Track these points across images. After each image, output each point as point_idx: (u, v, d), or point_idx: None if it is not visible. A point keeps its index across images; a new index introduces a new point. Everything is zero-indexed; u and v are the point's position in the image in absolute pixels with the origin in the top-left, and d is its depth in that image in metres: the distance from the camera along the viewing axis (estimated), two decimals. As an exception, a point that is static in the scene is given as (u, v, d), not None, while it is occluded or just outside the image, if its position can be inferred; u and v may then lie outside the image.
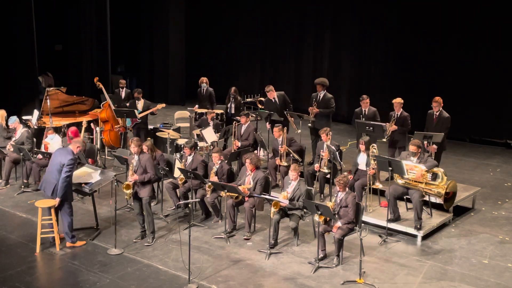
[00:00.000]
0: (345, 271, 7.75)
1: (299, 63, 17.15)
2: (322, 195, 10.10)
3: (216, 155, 9.25)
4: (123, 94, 13.99)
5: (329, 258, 8.03)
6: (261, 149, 11.64)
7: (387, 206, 8.91)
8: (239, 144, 10.95)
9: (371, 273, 7.70)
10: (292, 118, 11.68)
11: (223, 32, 18.67)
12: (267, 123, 11.95)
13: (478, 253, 8.41)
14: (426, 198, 9.05)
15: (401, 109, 10.63)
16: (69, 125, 12.08)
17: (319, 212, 7.70)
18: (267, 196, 8.45)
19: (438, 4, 14.22)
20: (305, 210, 8.50)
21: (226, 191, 8.47)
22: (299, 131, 11.83)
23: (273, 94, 11.90)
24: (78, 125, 12.03)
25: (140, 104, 12.65)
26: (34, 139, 11.11)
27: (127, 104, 13.22)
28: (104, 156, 12.25)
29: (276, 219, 8.33)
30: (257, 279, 7.54)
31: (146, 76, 19.20)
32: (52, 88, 13.05)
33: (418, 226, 8.70)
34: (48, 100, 12.31)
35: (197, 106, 13.46)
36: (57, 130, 11.09)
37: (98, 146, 11.78)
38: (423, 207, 8.94)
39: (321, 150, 9.98)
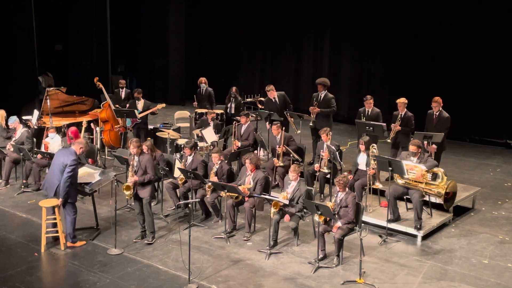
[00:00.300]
0: (345, 271, 7.75)
1: (299, 63, 17.15)
2: (322, 195, 10.10)
3: (216, 155, 9.25)
4: (123, 94, 14.00)
5: (329, 258, 8.03)
6: (261, 149, 11.64)
7: (387, 206, 8.91)
8: (239, 144, 10.95)
9: (371, 273, 7.70)
10: (292, 119, 11.68)
11: (223, 32, 18.67)
12: (267, 123, 11.95)
13: (478, 253, 8.41)
14: (426, 198, 9.04)
15: (405, 109, 10.63)
16: (69, 125, 12.08)
17: (319, 212, 7.70)
18: (267, 196, 8.45)
19: (438, 4, 14.22)
20: (305, 210, 8.50)
21: (226, 191, 8.48)
22: (299, 131, 11.84)
23: (273, 94, 11.90)
24: (78, 125, 12.04)
25: (140, 104, 12.65)
26: (34, 139, 11.11)
27: (127, 105, 13.22)
28: (104, 156, 12.25)
29: (276, 219, 8.33)
30: (257, 279, 7.55)
31: (146, 76, 19.21)
32: (52, 88, 13.05)
33: (418, 226, 8.70)
34: (48, 100, 12.31)
35: (195, 103, 13.47)
36: (57, 130, 11.08)
37: (98, 146, 11.78)
38: (423, 207, 8.94)
39: (321, 150, 9.98)
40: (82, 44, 16.94)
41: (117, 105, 13.12)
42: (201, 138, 11.23)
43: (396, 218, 8.99)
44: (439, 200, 8.99)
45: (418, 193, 8.74)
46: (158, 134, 12.40)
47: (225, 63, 18.67)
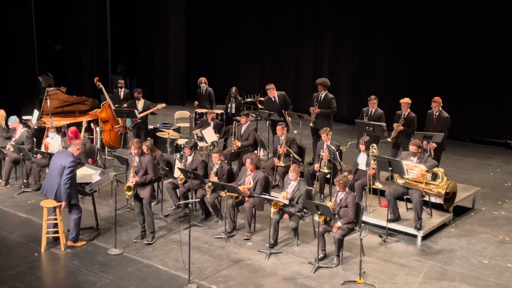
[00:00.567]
0: (345, 271, 7.75)
1: (299, 63, 17.16)
2: (322, 195, 10.10)
3: (216, 155, 9.25)
4: (121, 94, 13.99)
5: (329, 258, 8.03)
6: (261, 149, 11.64)
7: (387, 206, 8.91)
8: (239, 144, 10.95)
9: (371, 273, 7.70)
10: (290, 118, 11.66)
11: (223, 32, 18.67)
12: (268, 122, 11.95)
13: (478, 253, 8.41)
14: (426, 198, 9.04)
15: (409, 109, 10.62)
16: (69, 125, 12.08)
17: (319, 212, 7.70)
18: (267, 196, 8.45)
19: (438, 4, 14.22)
20: (305, 210, 8.50)
21: (226, 191, 8.47)
22: (295, 131, 11.83)
23: (273, 93, 11.90)
24: (78, 125, 12.04)
25: (140, 104, 12.65)
26: (34, 139, 11.11)
27: (124, 105, 13.22)
28: (104, 156, 12.25)
29: (276, 219, 8.33)
30: (257, 279, 7.55)
31: (146, 76, 19.20)
32: (52, 88, 13.05)
33: (418, 226, 8.70)
34: (48, 100, 12.31)
35: (196, 102, 13.46)
36: (57, 130, 11.08)
37: (98, 146, 11.78)
38: (423, 207, 8.94)
39: (321, 150, 9.98)
40: (82, 44, 16.94)
41: (117, 105, 13.12)
42: (201, 138, 11.23)
43: (396, 218, 8.99)
44: (439, 200, 9.00)
45: (418, 193, 8.74)
46: (158, 134, 12.40)
47: (225, 63, 18.67)
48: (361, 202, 8.47)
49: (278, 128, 10.41)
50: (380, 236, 8.78)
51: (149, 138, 12.20)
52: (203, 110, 13.00)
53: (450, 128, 10.46)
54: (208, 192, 9.03)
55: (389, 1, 15.13)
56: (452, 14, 14.09)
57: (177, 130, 12.97)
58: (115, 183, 8.40)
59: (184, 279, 7.43)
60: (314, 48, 16.79)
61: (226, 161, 9.69)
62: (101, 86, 13.00)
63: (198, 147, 10.47)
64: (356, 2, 15.77)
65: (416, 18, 14.64)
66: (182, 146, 10.32)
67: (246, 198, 8.74)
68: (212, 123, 11.74)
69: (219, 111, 12.94)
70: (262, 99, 13.28)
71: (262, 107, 13.20)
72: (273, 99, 11.95)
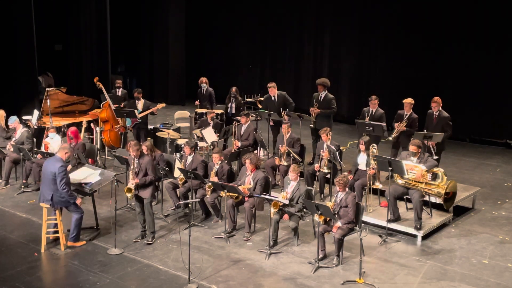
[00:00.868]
0: (345, 271, 7.75)
1: (299, 63, 17.15)
2: (322, 195, 10.10)
3: (217, 156, 9.25)
4: (119, 94, 13.96)
5: (329, 258, 8.03)
6: (261, 149, 11.64)
7: (387, 206, 8.91)
8: (239, 144, 10.95)
9: (371, 273, 7.70)
10: (287, 118, 11.63)
11: (223, 32, 18.67)
12: (268, 121, 11.97)
13: (478, 253, 8.41)
14: (426, 198, 9.04)
15: (411, 110, 10.61)
16: (69, 125, 12.06)
17: (319, 212, 7.70)
18: (267, 196, 8.45)
19: (439, 4, 14.22)
20: (305, 210, 8.50)
21: (226, 191, 8.47)
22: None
23: (273, 92, 11.89)
24: (78, 125, 12.03)
25: (140, 104, 12.64)
26: (34, 139, 11.11)
27: (122, 105, 13.21)
28: (104, 156, 12.25)
29: (276, 219, 8.33)
30: (257, 279, 7.54)
31: (146, 76, 19.20)
32: (52, 88, 13.05)
33: (418, 226, 8.70)
34: (48, 100, 12.31)
35: (197, 102, 13.46)
36: (57, 130, 11.08)
37: (98, 146, 11.78)
38: (423, 207, 8.94)
39: (321, 150, 9.98)
40: (82, 44, 16.93)
41: (116, 105, 13.13)
42: (201, 138, 11.23)
43: (396, 218, 8.99)
44: (439, 200, 9.00)
45: (418, 193, 8.74)
46: (158, 134, 12.39)
47: (225, 63, 18.67)
48: (361, 202, 8.47)
49: (284, 126, 10.42)
50: (380, 236, 8.78)
51: (149, 138, 12.21)
52: (203, 110, 12.99)
53: (451, 127, 10.44)
54: (208, 192, 9.03)
55: (389, 1, 15.12)
56: (452, 14, 14.09)
57: (177, 130, 12.97)
58: (115, 183, 8.40)
59: (184, 279, 7.44)
60: (314, 48, 16.79)
61: (226, 161, 9.69)
62: (101, 86, 13.00)
63: (198, 147, 10.46)
64: (356, 2, 15.77)
65: (416, 18, 14.64)
66: (183, 145, 10.32)
67: (246, 198, 8.74)
68: (211, 123, 11.74)
69: (219, 111, 12.94)
70: (262, 99, 13.28)
71: (262, 107, 13.20)
72: (272, 98, 11.96)
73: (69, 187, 8.16)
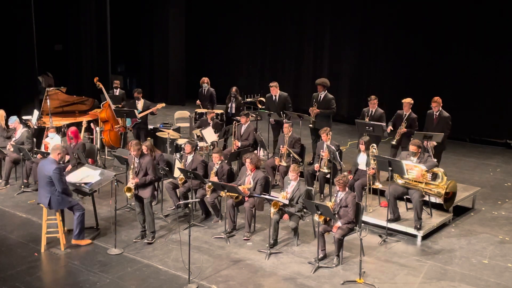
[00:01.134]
0: (345, 271, 7.75)
1: (299, 63, 17.15)
2: (322, 195, 10.10)
3: (216, 156, 9.25)
4: (117, 94, 13.94)
5: (329, 258, 8.03)
6: (261, 149, 11.64)
7: (387, 206, 8.91)
8: (239, 144, 10.95)
9: (371, 273, 7.70)
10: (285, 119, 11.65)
11: (223, 32, 18.67)
12: (269, 121, 11.96)
13: (478, 253, 8.41)
14: (426, 198, 9.04)
15: (410, 110, 10.60)
16: (69, 125, 12.06)
17: (319, 212, 7.69)
18: (267, 196, 8.45)
19: (439, 4, 14.22)
20: (305, 210, 8.50)
21: (226, 191, 8.47)
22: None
23: (275, 91, 11.88)
24: (78, 125, 12.02)
25: (140, 104, 12.64)
26: (34, 139, 11.11)
27: (120, 105, 13.21)
28: (104, 156, 12.25)
29: (276, 219, 8.33)
30: (257, 279, 7.54)
31: (146, 76, 19.20)
32: (52, 88, 13.05)
33: (418, 226, 8.70)
34: (48, 100, 12.31)
35: (198, 102, 13.45)
36: (57, 130, 11.08)
37: (98, 146, 11.77)
38: (423, 207, 8.94)
39: (321, 150, 9.98)
40: (82, 44, 16.93)
41: (115, 105, 13.13)
42: (201, 138, 11.23)
43: (396, 218, 8.99)
44: (439, 200, 9.00)
45: (418, 193, 8.74)
46: (158, 134, 12.39)
47: (225, 63, 18.67)
48: (361, 202, 8.47)
49: (285, 125, 10.43)
50: (380, 236, 8.78)
51: (149, 138, 12.20)
52: (203, 110, 12.99)
53: (451, 127, 10.44)
54: (208, 192, 9.03)
55: (389, 1, 15.12)
56: (452, 14, 14.08)
57: (177, 130, 12.97)
58: (115, 183, 8.40)
59: (184, 279, 7.43)
60: (314, 48, 16.79)
61: (226, 161, 9.69)
62: (101, 86, 13.00)
63: (198, 147, 10.47)
64: (356, 2, 15.77)
65: (416, 18, 14.63)
66: (183, 145, 10.31)
67: (246, 198, 8.74)
68: (211, 123, 11.74)
69: (219, 111, 12.94)
70: (262, 99, 13.28)
71: (262, 107, 13.19)
72: (273, 97, 11.94)
73: (67, 188, 8.15)
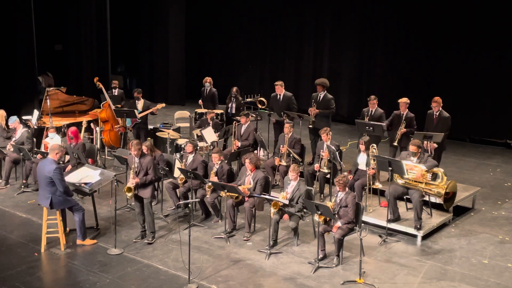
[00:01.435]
0: (345, 271, 7.75)
1: (299, 63, 17.15)
2: (322, 195, 10.10)
3: (216, 156, 9.25)
4: (116, 94, 13.92)
5: (329, 258, 8.03)
6: (261, 149, 11.64)
7: (387, 206, 8.91)
8: (239, 144, 10.95)
9: (371, 273, 7.70)
10: (287, 119, 11.63)
11: (223, 32, 18.66)
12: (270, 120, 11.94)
13: (478, 253, 8.41)
14: (426, 198, 9.04)
15: (407, 109, 10.61)
16: (69, 125, 12.07)
17: (319, 212, 7.70)
18: (267, 196, 8.45)
19: (439, 4, 14.22)
20: (305, 210, 8.50)
21: (226, 191, 8.47)
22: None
23: (280, 90, 11.84)
24: (78, 125, 12.02)
25: (140, 104, 12.64)
26: (34, 139, 11.11)
27: (119, 106, 13.20)
28: (104, 156, 12.25)
29: (276, 219, 8.33)
30: (257, 279, 7.55)
31: (146, 76, 19.20)
32: (52, 88, 13.05)
33: (418, 226, 8.70)
34: (48, 100, 12.31)
35: (201, 102, 13.42)
36: (57, 130, 11.08)
37: (98, 146, 11.77)
38: (423, 207, 8.94)
39: (321, 150, 9.98)
40: (82, 44, 16.93)
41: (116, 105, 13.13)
42: (201, 138, 11.22)
43: (396, 218, 8.99)
44: (439, 200, 9.00)
45: (418, 193, 8.74)
46: (158, 134, 12.39)
47: (225, 63, 18.66)
48: (361, 202, 8.47)
49: (286, 125, 10.43)
50: (380, 236, 8.78)
51: (149, 138, 12.19)
52: (203, 110, 12.99)
53: (450, 127, 10.45)
54: (208, 192, 9.03)
55: (389, 1, 15.12)
56: (452, 14, 14.08)
57: (177, 130, 12.97)
58: (115, 183, 8.40)
59: (184, 279, 7.44)
60: (314, 48, 16.79)
61: (226, 161, 9.69)
62: (101, 86, 13.00)
63: (198, 147, 10.47)
64: (356, 2, 15.77)
65: (416, 18, 14.63)
66: (184, 144, 10.30)
67: (246, 198, 8.74)
68: (211, 123, 11.73)
69: (219, 111, 12.93)
70: (262, 99, 13.28)
71: (262, 107, 13.19)
72: (278, 96, 11.92)
73: (67, 188, 8.16)
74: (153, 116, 13.38)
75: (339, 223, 7.92)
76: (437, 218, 9.20)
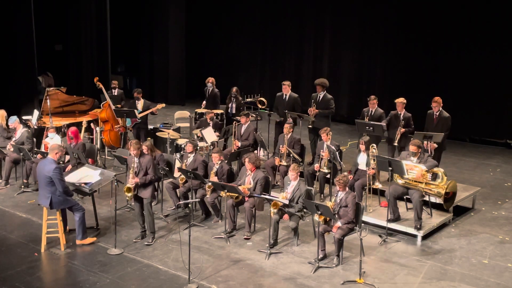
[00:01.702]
0: (345, 271, 7.75)
1: (299, 63, 17.14)
2: (322, 195, 10.10)
3: (216, 156, 9.25)
4: (115, 94, 13.91)
5: (329, 258, 8.03)
6: (261, 149, 11.64)
7: (387, 206, 8.91)
8: (239, 144, 10.95)
9: (371, 273, 7.70)
10: (291, 119, 11.63)
11: (223, 32, 18.67)
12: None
13: (478, 253, 8.41)
14: (426, 198, 9.04)
15: (404, 109, 10.62)
16: (69, 125, 12.07)
17: (319, 212, 7.70)
18: (267, 196, 8.45)
19: (439, 5, 14.22)
20: (305, 210, 8.50)
21: (226, 191, 8.47)
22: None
23: (286, 90, 11.80)
24: (78, 125, 12.03)
25: (140, 104, 12.64)
26: (34, 139, 11.11)
27: (119, 106, 13.20)
28: (104, 156, 12.25)
29: (276, 219, 8.33)
30: (257, 279, 7.55)
31: (146, 76, 19.19)
32: (52, 88, 13.05)
33: (418, 226, 8.70)
34: (48, 100, 12.31)
35: (204, 103, 13.39)
36: (57, 130, 11.08)
37: (98, 146, 11.77)
38: (423, 207, 8.94)
39: (321, 150, 9.98)
40: (82, 44, 16.93)
41: (118, 105, 13.13)
42: (201, 138, 11.22)
43: (396, 218, 8.99)
44: (439, 200, 9.00)
45: (418, 193, 8.74)
46: (158, 134, 12.39)
47: (225, 63, 18.66)
48: (361, 202, 8.47)
49: (286, 126, 10.42)
50: (380, 236, 8.78)
51: (149, 138, 12.20)
52: (203, 110, 12.98)
53: (450, 127, 10.45)
54: (208, 192, 9.03)
55: (389, 1, 15.12)
56: (452, 14, 14.08)
57: (177, 130, 12.96)
58: (115, 183, 8.40)
59: (184, 279, 7.44)
60: (314, 48, 16.78)
61: (226, 161, 9.69)
62: (101, 86, 13.00)
63: (198, 147, 10.47)
64: (356, 3, 15.76)
65: (416, 19, 14.63)
66: (184, 145, 10.30)
67: (246, 198, 8.74)
68: (211, 123, 11.73)
69: (219, 111, 12.93)
70: (262, 99, 13.27)
71: (262, 107, 13.18)
72: (284, 96, 11.88)
73: (67, 188, 8.17)
74: (153, 116, 13.38)
75: (339, 223, 7.92)
76: (437, 218, 9.20)
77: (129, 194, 8.46)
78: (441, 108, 10.44)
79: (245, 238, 8.65)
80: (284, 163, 10.19)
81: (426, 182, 8.83)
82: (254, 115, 12.46)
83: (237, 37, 18.41)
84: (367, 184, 9.25)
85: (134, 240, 8.56)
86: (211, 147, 11.05)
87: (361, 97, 15.02)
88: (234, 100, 12.90)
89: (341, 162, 9.93)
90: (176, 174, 9.64)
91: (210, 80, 13.41)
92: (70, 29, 17.14)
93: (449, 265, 8.01)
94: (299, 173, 8.55)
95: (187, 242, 7.32)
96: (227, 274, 7.65)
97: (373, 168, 9.18)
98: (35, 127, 11.97)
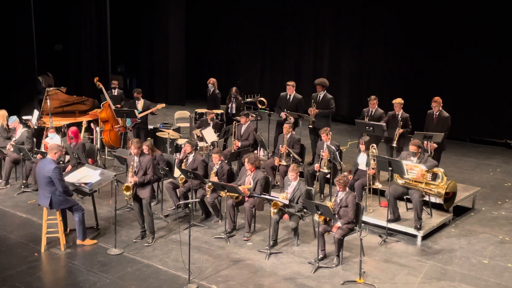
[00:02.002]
0: (345, 271, 7.75)
1: (299, 63, 17.14)
2: (322, 195, 10.10)
3: (216, 156, 9.25)
4: (115, 94, 13.91)
5: (329, 258, 8.03)
6: (261, 149, 11.64)
7: (387, 206, 8.91)
8: (239, 144, 10.95)
9: (371, 273, 7.70)
10: (292, 118, 11.63)
11: (223, 32, 18.67)
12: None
13: (478, 253, 8.41)
14: (426, 198, 9.04)
15: (402, 110, 10.63)
16: (69, 125, 12.07)
17: (319, 212, 7.70)
18: (267, 196, 8.45)
19: (439, 5, 14.22)
20: (305, 210, 8.50)
21: (226, 191, 8.47)
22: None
23: (291, 90, 11.73)
24: (78, 125, 12.02)
25: (140, 104, 12.64)
26: (34, 139, 11.11)
27: (118, 106, 13.20)
28: (104, 156, 12.25)
29: (276, 219, 8.33)
30: (257, 279, 7.55)
31: (146, 76, 19.20)
32: (52, 88, 13.04)
33: (418, 226, 8.70)
34: (48, 100, 12.31)
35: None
36: (57, 130, 11.08)
37: (98, 146, 11.77)
38: (423, 207, 8.94)
39: (321, 150, 9.98)
40: (82, 44, 16.93)
41: (118, 105, 13.13)
42: (201, 138, 11.23)
43: (396, 218, 8.99)
44: (439, 200, 9.00)
45: (418, 193, 8.74)
46: (158, 134, 12.40)
47: (225, 64, 18.66)
48: (361, 202, 8.47)
49: (285, 126, 10.42)
50: (380, 236, 8.78)
51: (149, 138, 12.20)
52: (203, 110, 12.98)
53: (450, 127, 10.46)
54: (208, 192, 9.03)
55: (389, 2, 15.12)
56: (452, 14, 14.08)
57: (177, 130, 12.97)
58: (115, 183, 8.40)
59: (184, 279, 7.44)
60: (314, 48, 16.79)
61: (226, 161, 9.69)
62: (101, 86, 13.00)
63: (198, 147, 10.47)
64: (356, 3, 15.76)
65: (416, 19, 14.63)
66: (183, 145, 10.29)
67: (246, 198, 8.74)
68: (211, 123, 11.73)
69: (219, 111, 12.93)
70: (262, 99, 13.26)
71: (262, 107, 13.18)
72: (288, 96, 11.84)
73: (67, 188, 8.17)
74: (153, 116, 13.38)
75: (339, 223, 7.92)
76: (437, 218, 9.20)
77: (128, 193, 8.45)
78: (441, 108, 10.45)
79: (245, 240, 8.65)
80: (283, 163, 10.18)
81: (426, 182, 8.83)
82: (254, 115, 12.46)
83: (237, 37, 18.41)
84: (367, 184, 9.25)
85: (134, 240, 8.56)
86: (211, 147, 11.05)
87: (361, 97, 15.02)
88: (234, 100, 12.90)
89: (341, 162, 9.93)
90: (177, 174, 9.64)
91: (211, 81, 13.38)
92: (70, 29, 17.15)
93: (449, 265, 8.01)
94: (298, 173, 8.55)
95: (187, 242, 7.32)
96: (227, 274, 7.65)
97: (373, 168, 9.18)
98: (35, 127, 11.97)
